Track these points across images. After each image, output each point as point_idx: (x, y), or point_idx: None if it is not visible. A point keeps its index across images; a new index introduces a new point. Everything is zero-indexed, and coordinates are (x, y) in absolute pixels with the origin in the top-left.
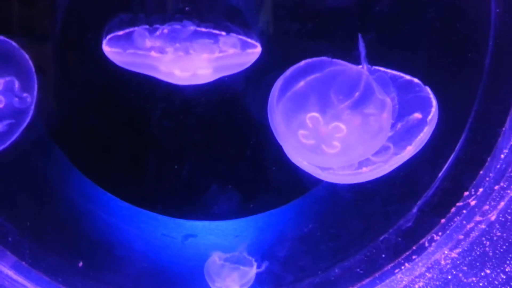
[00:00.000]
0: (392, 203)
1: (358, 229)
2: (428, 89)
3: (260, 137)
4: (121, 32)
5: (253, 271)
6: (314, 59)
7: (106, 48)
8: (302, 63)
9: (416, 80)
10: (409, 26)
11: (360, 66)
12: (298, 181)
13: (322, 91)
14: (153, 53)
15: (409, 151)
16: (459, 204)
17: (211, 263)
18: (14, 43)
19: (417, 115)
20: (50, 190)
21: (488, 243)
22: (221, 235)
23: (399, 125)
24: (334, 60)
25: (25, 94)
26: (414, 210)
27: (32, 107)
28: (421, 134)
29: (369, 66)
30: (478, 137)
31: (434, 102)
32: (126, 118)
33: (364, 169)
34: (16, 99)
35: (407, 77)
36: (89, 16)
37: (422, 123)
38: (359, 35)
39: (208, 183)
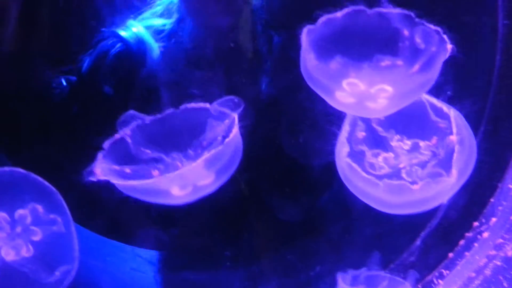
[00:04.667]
0: (392, 234)
1: (354, 264)
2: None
3: None
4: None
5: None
6: (349, 8)
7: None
8: (338, 14)
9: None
10: None
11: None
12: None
13: (361, 48)
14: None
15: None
16: (468, 235)
17: None
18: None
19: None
20: None
21: (506, 283)
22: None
23: (441, 152)
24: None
25: None
26: (418, 242)
27: None
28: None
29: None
30: (487, 160)
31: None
32: None
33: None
34: None
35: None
36: None
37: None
38: None
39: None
